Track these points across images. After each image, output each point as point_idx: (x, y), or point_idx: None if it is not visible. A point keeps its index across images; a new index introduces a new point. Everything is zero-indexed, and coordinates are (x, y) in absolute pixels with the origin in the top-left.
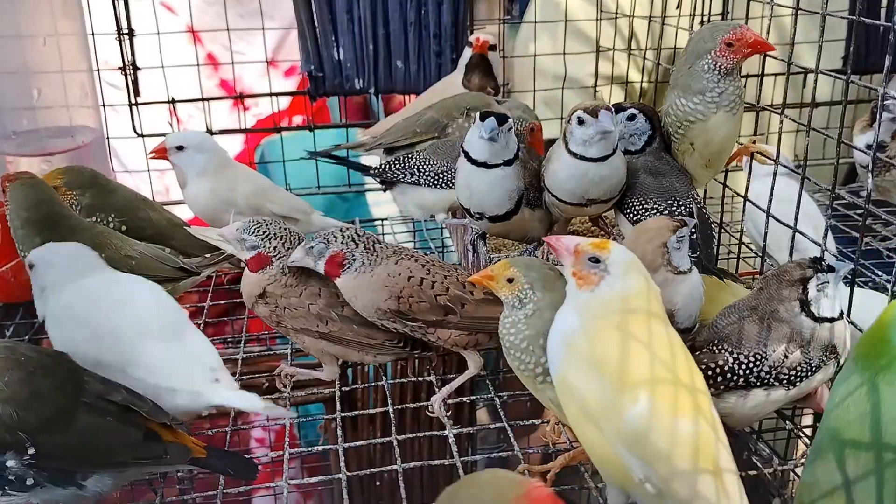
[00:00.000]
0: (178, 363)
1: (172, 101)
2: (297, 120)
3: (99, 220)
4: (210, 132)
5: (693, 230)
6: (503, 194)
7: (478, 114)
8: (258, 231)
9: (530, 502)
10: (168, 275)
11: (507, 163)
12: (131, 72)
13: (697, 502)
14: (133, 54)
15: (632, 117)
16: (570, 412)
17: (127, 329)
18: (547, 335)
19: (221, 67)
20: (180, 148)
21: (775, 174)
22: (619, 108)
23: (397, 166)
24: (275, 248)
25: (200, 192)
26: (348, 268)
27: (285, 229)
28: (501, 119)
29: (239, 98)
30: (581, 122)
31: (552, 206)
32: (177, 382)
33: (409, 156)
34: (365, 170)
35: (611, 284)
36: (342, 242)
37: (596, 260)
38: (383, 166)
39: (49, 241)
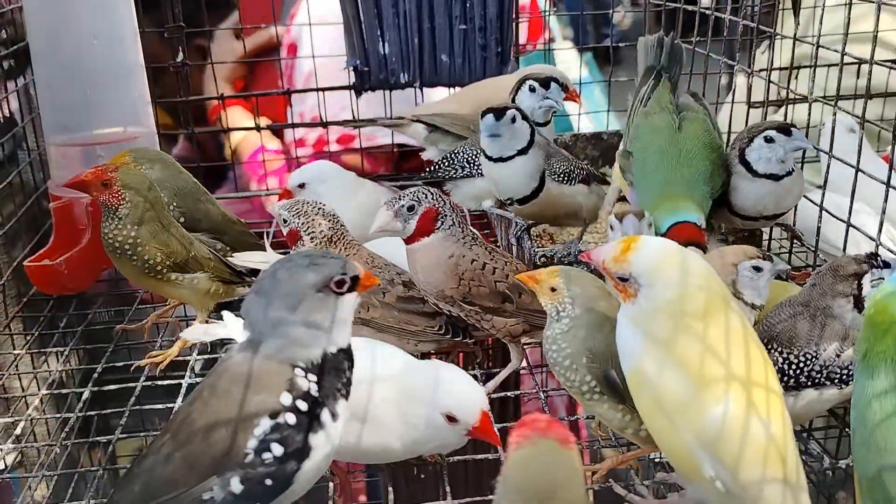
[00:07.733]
0: None
1: (222, 98)
2: None
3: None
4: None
5: (782, 273)
6: (525, 179)
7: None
8: (292, 208)
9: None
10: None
11: (522, 151)
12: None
13: None
14: (184, 51)
15: None
16: (642, 404)
17: None
18: (587, 353)
19: None
20: (301, 186)
21: (828, 167)
22: None
23: (447, 164)
24: (301, 223)
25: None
26: (441, 224)
27: (318, 209)
28: (499, 114)
29: (286, 94)
30: (770, 140)
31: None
32: None
33: (457, 152)
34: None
35: (648, 297)
36: (434, 198)
37: (623, 278)
38: (435, 167)
39: (152, 228)
